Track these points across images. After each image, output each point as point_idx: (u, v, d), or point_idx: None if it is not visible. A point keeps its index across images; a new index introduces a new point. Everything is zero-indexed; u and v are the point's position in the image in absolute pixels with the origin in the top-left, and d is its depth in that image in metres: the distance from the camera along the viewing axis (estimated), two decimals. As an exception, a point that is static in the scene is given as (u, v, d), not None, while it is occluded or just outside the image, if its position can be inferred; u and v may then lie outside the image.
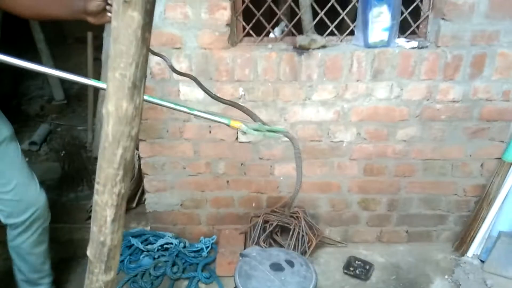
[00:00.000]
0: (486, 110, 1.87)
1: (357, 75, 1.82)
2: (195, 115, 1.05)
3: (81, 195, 2.58)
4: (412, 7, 1.82)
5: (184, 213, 2.17)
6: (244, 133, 1.00)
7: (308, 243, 2.01)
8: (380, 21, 1.76)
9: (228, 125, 1.02)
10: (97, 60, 2.89)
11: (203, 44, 1.79)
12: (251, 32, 1.89)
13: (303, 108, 1.89)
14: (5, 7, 1.30)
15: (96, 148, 2.91)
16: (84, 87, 3.53)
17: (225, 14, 1.74)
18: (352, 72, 1.81)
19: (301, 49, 1.78)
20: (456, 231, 2.15)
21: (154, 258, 2.06)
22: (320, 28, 1.89)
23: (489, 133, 1.92)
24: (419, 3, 1.83)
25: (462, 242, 2.09)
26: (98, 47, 2.83)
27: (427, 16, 1.85)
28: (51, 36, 3.77)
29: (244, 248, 2.07)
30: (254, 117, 1.13)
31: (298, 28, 1.92)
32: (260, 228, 2.02)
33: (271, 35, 1.95)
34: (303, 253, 2.00)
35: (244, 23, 1.88)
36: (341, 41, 1.90)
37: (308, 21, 1.90)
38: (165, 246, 2.11)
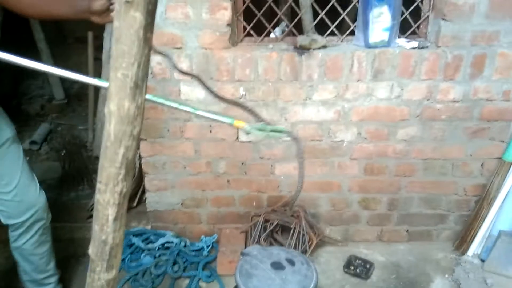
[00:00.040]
0: (486, 110, 1.88)
1: (358, 75, 1.82)
2: (199, 115, 1.05)
3: (82, 194, 2.58)
4: (412, 7, 1.82)
5: (185, 212, 2.17)
6: (247, 133, 1.00)
7: (308, 242, 2.01)
8: (381, 21, 1.76)
9: (231, 125, 1.02)
10: (98, 60, 2.89)
11: (204, 44, 1.80)
12: (251, 32, 1.89)
13: (303, 108, 1.89)
14: (7, 5, 1.28)
15: (97, 147, 2.91)
16: (85, 86, 3.53)
17: (226, 14, 1.75)
18: (352, 72, 1.81)
19: (302, 49, 1.79)
20: (457, 230, 2.16)
21: (155, 257, 2.06)
22: (321, 28, 1.89)
23: (489, 133, 1.92)
24: (420, 4, 1.83)
25: (462, 241, 2.10)
26: (99, 47, 2.84)
27: (428, 17, 1.85)
28: (52, 35, 3.77)
29: (245, 247, 2.08)
30: (257, 117, 1.13)
31: (299, 28, 1.92)
32: (261, 227, 2.03)
33: (272, 35, 1.96)
34: (304, 252, 2.00)
35: (244, 23, 1.89)
36: (341, 41, 1.91)
37: (308, 21, 1.90)
38: (166, 245, 2.11)
